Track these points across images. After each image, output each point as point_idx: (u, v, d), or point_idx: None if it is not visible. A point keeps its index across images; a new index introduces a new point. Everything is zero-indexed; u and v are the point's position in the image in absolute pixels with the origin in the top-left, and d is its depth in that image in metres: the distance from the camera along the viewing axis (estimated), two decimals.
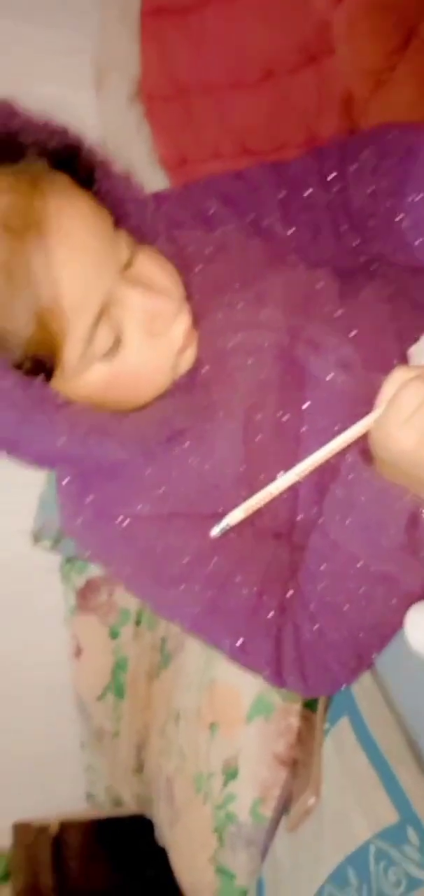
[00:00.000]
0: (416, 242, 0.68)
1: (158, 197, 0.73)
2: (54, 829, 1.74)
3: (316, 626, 0.65)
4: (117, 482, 0.66)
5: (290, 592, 0.67)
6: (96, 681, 1.65)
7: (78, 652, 1.67)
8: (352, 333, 0.69)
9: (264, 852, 1.24)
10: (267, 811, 1.22)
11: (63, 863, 1.65)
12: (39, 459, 0.63)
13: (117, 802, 1.72)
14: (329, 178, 0.73)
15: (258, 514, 0.65)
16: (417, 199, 0.66)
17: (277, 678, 0.67)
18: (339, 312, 0.70)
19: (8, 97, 0.57)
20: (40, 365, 0.57)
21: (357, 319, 0.70)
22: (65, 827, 1.74)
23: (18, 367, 0.56)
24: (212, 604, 0.66)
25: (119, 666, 1.63)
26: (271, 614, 0.66)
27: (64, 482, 0.69)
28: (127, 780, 1.68)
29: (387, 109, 0.95)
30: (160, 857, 1.50)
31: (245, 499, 0.60)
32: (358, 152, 0.72)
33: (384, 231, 0.71)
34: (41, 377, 0.57)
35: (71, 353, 0.57)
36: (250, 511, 0.60)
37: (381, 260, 0.74)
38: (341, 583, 0.63)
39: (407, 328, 0.69)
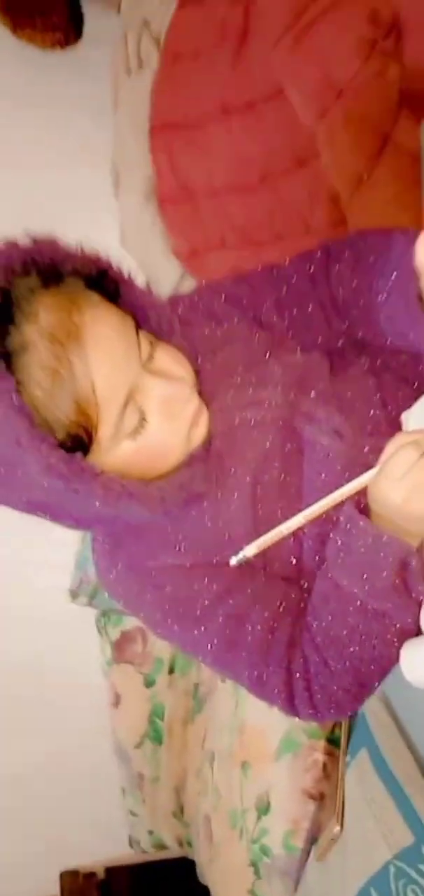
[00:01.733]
0: (389, 333, 0.80)
1: (174, 301, 0.87)
2: (100, 875, 1.79)
3: (322, 658, 0.73)
4: (144, 539, 0.77)
5: (299, 628, 0.75)
6: (134, 728, 1.71)
7: (116, 701, 1.72)
8: (342, 405, 0.80)
9: (297, 882, 1.30)
10: (298, 842, 1.29)
11: None
12: (78, 521, 0.75)
13: (160, 846, 1.77)
14: (317, 278, 0.86)
15: (269, 560, 0.76)
16: (385, 298, 0.78)
17: (290, 707, 0.75)
18: (330, 388, 0.82)
19: (51, 234, 0.70)
20: (80, 443, 0.69)
21: (347, 392, 0.82)
22: (111, 872, 1.79)
23: (62, 445, 0.68)
24: (230, 640, 0.75)
25: (155, 713, 1.69)
26: (282, 648, 0.75)
27: (98, 541, 0.81)
28: (168, 823, 1.72)
29: (368, 206, 1.07)
30: None
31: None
32: (340, 255, 0.85)
33: (364, 321, 0.84)
34: (80, 453, 0.69)
35: (104, 432, 0.69)
36: (263, 546, 0.70)
37: (365, 341, 0.86)
38: (342, 619, 0.72)
39: (392, 398, 0.81)
